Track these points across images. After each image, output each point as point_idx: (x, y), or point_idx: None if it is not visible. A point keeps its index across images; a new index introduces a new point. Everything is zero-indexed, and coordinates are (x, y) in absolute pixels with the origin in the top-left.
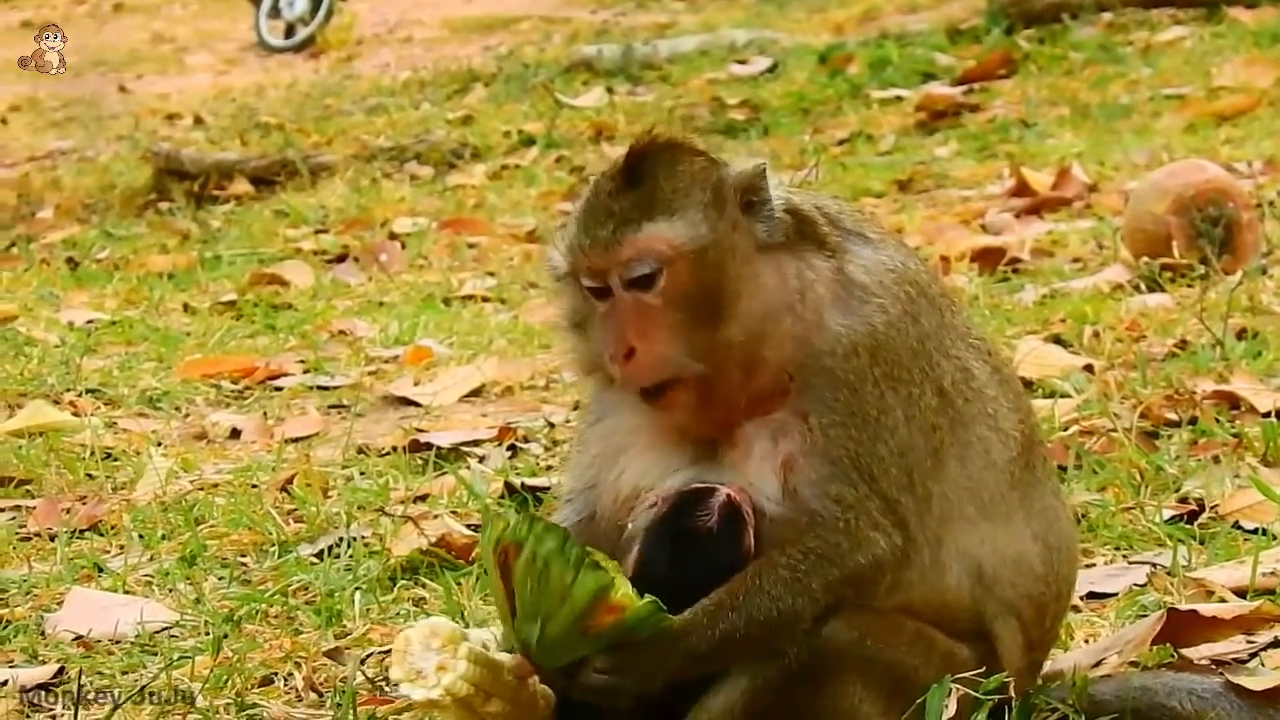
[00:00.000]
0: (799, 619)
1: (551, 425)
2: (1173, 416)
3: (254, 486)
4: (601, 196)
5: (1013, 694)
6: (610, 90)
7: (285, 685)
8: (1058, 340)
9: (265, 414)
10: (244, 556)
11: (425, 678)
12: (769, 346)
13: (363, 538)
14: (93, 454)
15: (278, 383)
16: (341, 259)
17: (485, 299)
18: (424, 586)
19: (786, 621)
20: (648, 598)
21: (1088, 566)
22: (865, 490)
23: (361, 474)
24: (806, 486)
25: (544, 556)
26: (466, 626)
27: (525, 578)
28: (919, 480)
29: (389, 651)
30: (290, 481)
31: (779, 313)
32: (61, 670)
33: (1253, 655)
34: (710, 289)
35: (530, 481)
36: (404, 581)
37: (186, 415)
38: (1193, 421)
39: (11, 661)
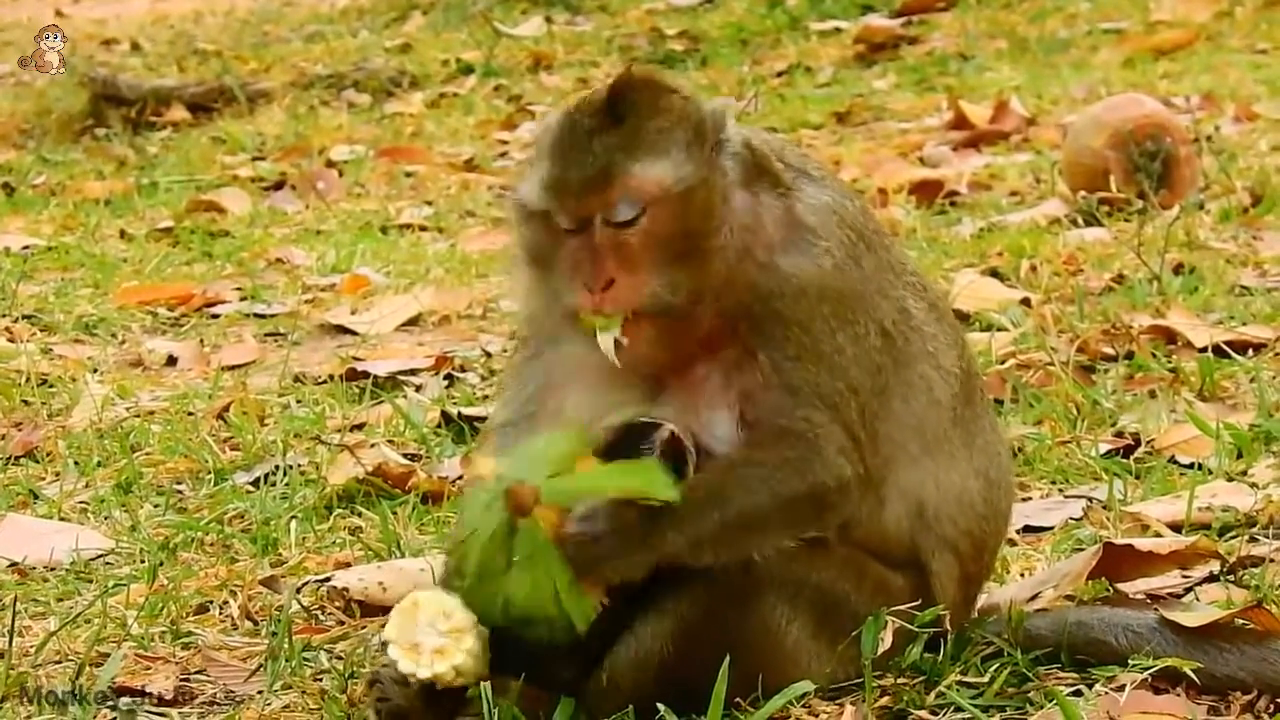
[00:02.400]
0: (767, 526)
1: (488, 354)
2: (1109, 351)
3: (190, 414)
4: (581, 134)
5: (948, 627)
6: (549, 20)
7: (221, 613)
8: (995, 274)
9: (202, 341)
10: (180, 484)
11: (420, 654)
12: (730, 285)
13: (299, 466)
14: (28, 380)
15: (214, 310)
16: (279, 187)
17: (423, 228)
18: (360, 515)
19: (758, 524)
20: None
21: (1024, 500)
22: (830, 415)
23: (298, 402)
24: (770, 412)
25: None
26: (402, 556)
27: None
28: (870, 419)
29: (325, 580)
30: (226, 409)
31: (742, 251)
32: None
33: (1188, 590)
34: (693, 228)
35: (467, 411)
36: (340, 510)
37: (123, 342)
38: (1129, 356)
39: None
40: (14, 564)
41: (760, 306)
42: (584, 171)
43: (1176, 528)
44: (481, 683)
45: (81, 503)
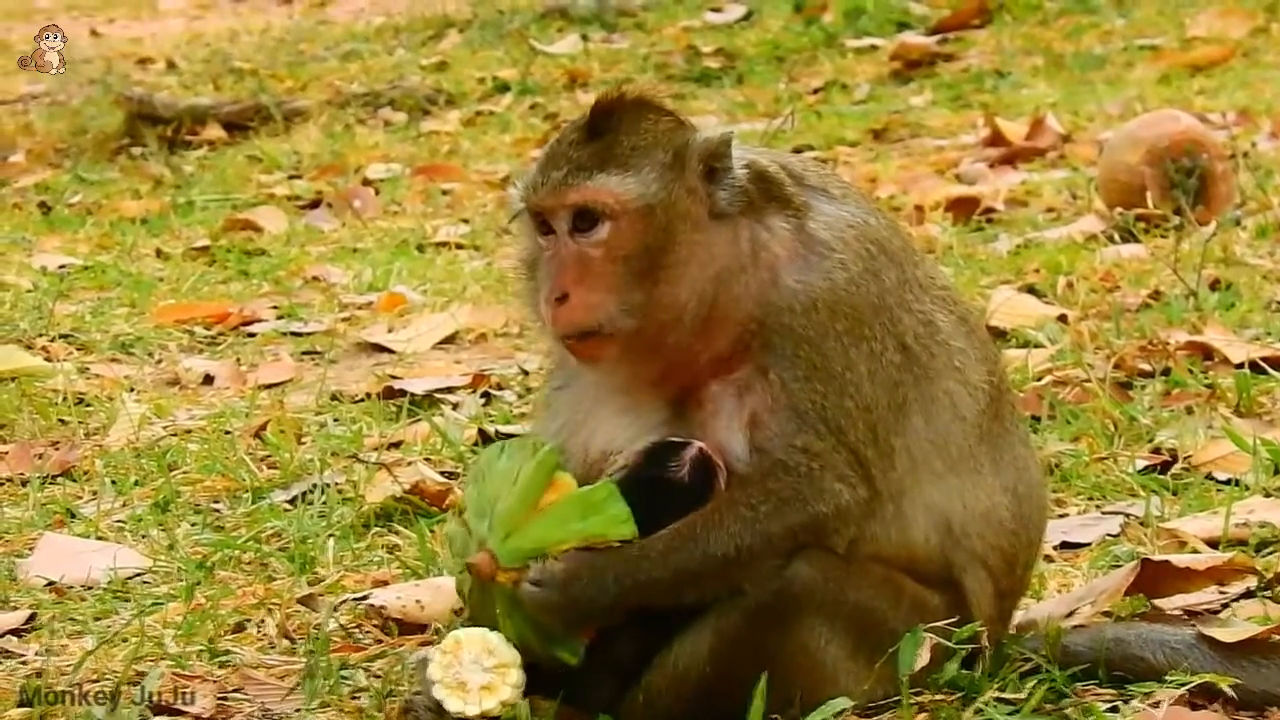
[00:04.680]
0: (755, 559)
1: (525, 372)
2: (1146, 367)
3: (227, 433)
4: (564, 144)
5: (985, 643)
6: (585, 38)
7: (258, 632)
8: (1032, 290)
9: (238, 360)
10: (217, 503)
11: (468, 692)
12: (720, 308)
13: (336, 484)
14: (65, 399)
15: (251, 329)
16: (315, 205)
17: (459, 245)
18: (397, 534)
19: (743, 560)
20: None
21: (1061, 516)
22: (833, 442)
23: (335, 420)
24: (773, 440)
25: (488, 459)
26: (439, 574)
27: (471, 491)
28: (883, 435)
29: (363, 598)
30: (264, 428)
31: (730, 275)
32: (33, 616)
33: (1225, 606)
34: (653, 249)
35: (504, 429)
36: (377, 528)
37: (159, 361)
38: (1166, 372)
39: None
40: (51, 583)
41: (772, 321)
42: (553, 173)
43: (1214, 544)
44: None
45: (119, 521)
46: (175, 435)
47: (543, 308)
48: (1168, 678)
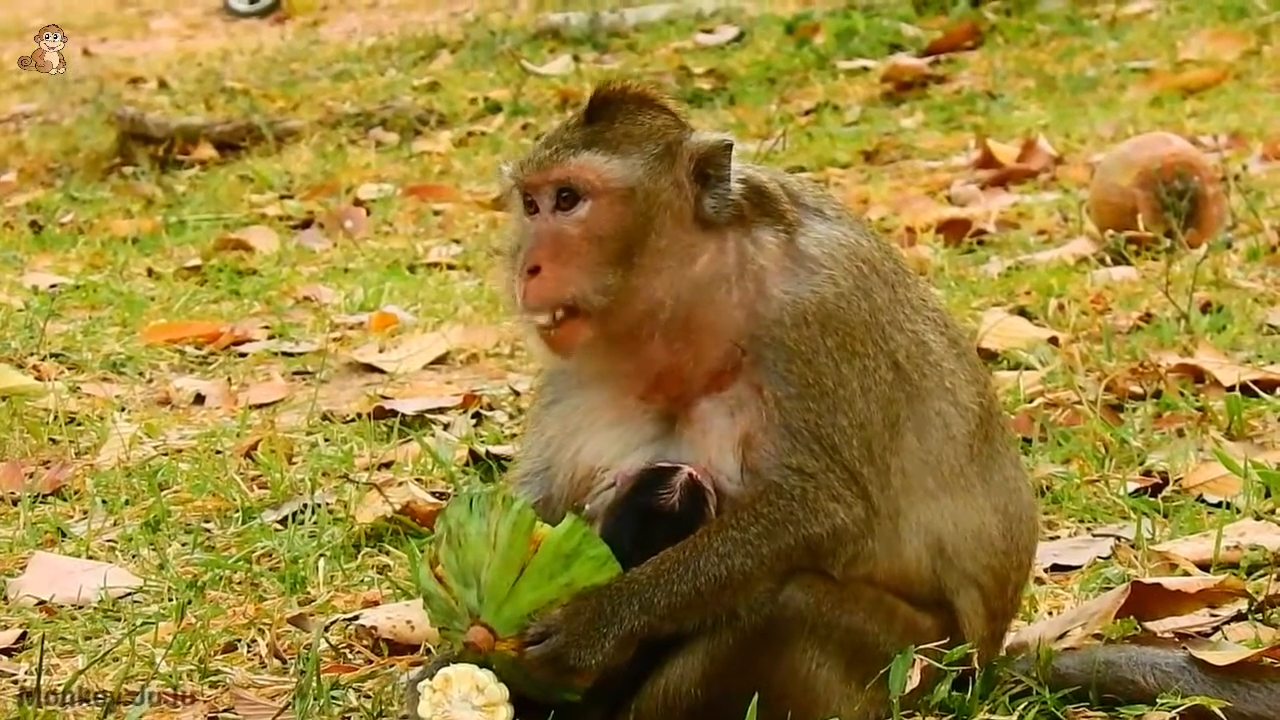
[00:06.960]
0: (749, 581)
1: (516, 393)
2: (1137, 389)
3: (218, 452)
4: (561, 128)
5: (976, 665)
6: (577, 58)
7: (249, 652)
8: (1023, 312)
9: (229, 380)
10: (208, 522)
11: None
12: (703, 317)
13: (327, 504)
14: (56, 418)
15: (242, 348)
16: (307, 225)
17: (450, 266)
18: (388, 554)
19: (736, 582)
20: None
21: (1052, 539)
22: (827, 461)
23: (326, 440)
24: (766, 461)
25: (458, 518)
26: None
27: (449, 555)
28: (878, 452)
29: (354, 618)
30: (254, 447)
31: (712, 284)
32: (24, 635)
33: (1216, 629)
34: (630, 233)
35: (495, 449)
36: (368, 549)
37: (150, 380)
38: (1157, 395)
39: None
40: (42, 602)
41: (763, 335)
42: (541, 153)
43: (1204, 566)
44: None
45: (109, 541)
46: (166, 455)
47: (515, 284)
48: (1159, 700)
